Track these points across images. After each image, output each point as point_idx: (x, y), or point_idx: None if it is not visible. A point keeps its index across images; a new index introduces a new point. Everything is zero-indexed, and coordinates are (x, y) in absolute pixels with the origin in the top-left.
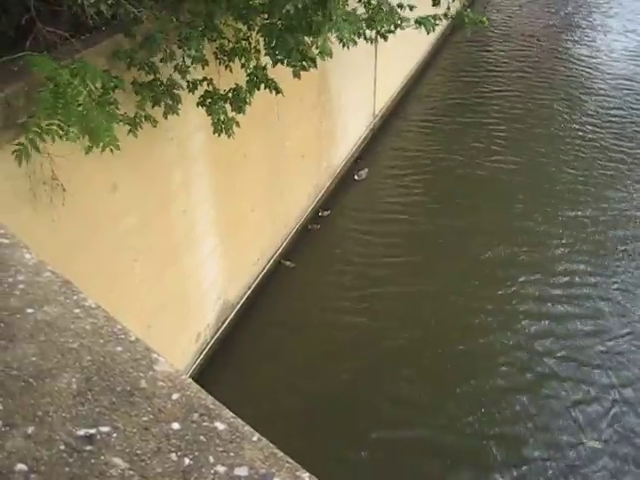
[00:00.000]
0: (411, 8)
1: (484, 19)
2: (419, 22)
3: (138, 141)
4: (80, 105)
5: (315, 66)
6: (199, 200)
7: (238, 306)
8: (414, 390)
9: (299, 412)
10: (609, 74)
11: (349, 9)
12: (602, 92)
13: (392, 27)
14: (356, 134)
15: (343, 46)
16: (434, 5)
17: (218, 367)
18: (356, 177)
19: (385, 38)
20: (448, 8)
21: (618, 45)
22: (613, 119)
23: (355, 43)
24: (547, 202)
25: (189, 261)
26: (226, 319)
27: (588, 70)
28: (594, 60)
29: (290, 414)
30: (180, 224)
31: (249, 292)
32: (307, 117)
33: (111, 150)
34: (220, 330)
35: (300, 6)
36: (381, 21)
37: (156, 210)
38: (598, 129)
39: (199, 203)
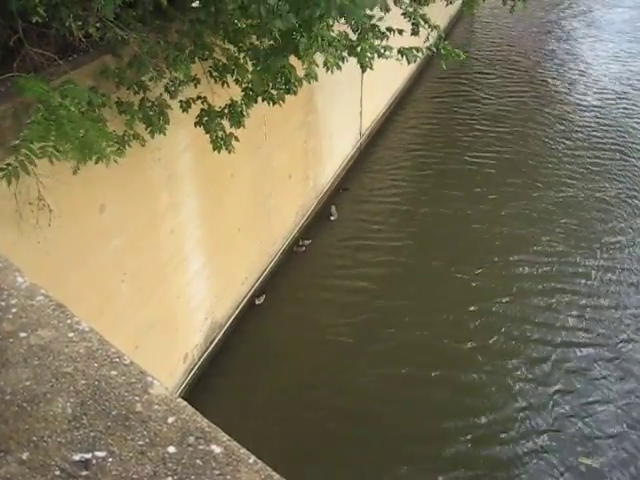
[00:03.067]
0: (400, 32)
1: (460, 53)
2: (402, 52)
3: (126, 162)
4: (74, 125)
5: (297, 90)
6: (186, 220)
7: (226, 326)
8: None
9: (289, 435)
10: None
11: (335, 34)
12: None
13: (375, 56)
14: (343, 153)
15: (327, 70)
16: (413, 34)
17: (207, 388)
18: (332, 217)
19: (364, 69)
20: (428, 38)
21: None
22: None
23: (339, 68)
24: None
25: (177, 281)
26: (214, 339)
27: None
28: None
29: (280, 436)
30: (168, 244)
31: (237, 312)
32: (294, 137)
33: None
34: (208, 350)
35: (285, 28)
36: (364, 50)
37: (144, 230)
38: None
39: (187, 223)
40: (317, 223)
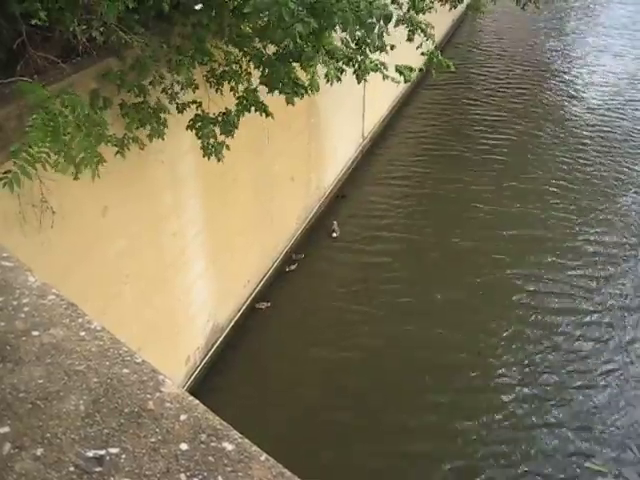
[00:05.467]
0: (392, 47)
1: (450, 64)
2: (399, 71)
3: (129, 164)
4: (68, 134)
5: (306, 93)
6: (189, 222)
7: (228, 329)
8: None
9: (288, 435)
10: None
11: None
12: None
13: (371, 73)
14: (345, 156)
15: (327, 81)
16: (408, 40)
17: (208, 390)
18: (334, 234)
19: (359, 80)
20: (421, 45)
21: None
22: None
23: (339, 80)
24: None
25: (179, 283)
26: (216, 342)
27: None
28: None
29: (279, 438)
30: (170, 247)
31: (239, 315)
32: (296, 140)
33: (97, 174)
34: (210, 353)
35: (305, 32)
36: (364, 67)
37: (146, 233)
38: None
39: (189, 225)
40: (319, 225)
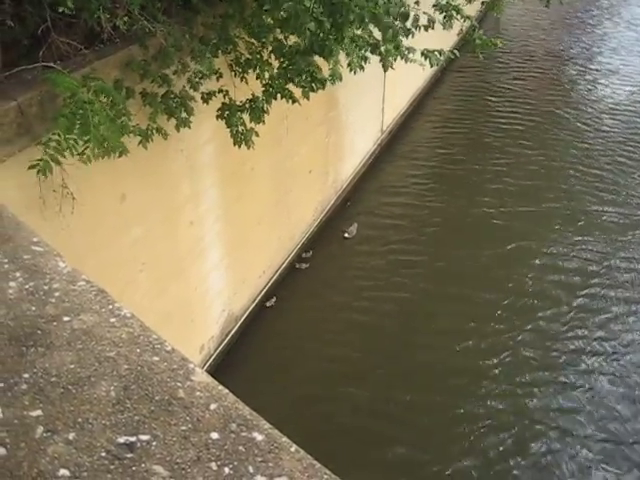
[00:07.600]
0: (427, 28)
1: (497, 41)
2: (425, 55)
3: (148, 152)
4: (98, 123)
5: (323, 88)
6: (206, 212)
7: (242, 319)
8: None
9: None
10: None
11: (358, 32)
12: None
13: (398, 58)
14: (364, 150)
15: (350, 70)
16: (444, 29)
17: (221, 378)
18: (347, 235)
19: (386, 69)
20: (461, 30)
21: None
22: None
23: (362, 68)
24: None
25: (195, 272)
26: (230, 331)
27: None
28: None
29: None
30: (187, 235)
31: (253, 305)
32: (315, 132)
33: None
34: (224, 342)
35: (317, 31)
36: (389, 52)
37: (164, 221)
38: None
39: (206, 215)
40: (335, 219)
